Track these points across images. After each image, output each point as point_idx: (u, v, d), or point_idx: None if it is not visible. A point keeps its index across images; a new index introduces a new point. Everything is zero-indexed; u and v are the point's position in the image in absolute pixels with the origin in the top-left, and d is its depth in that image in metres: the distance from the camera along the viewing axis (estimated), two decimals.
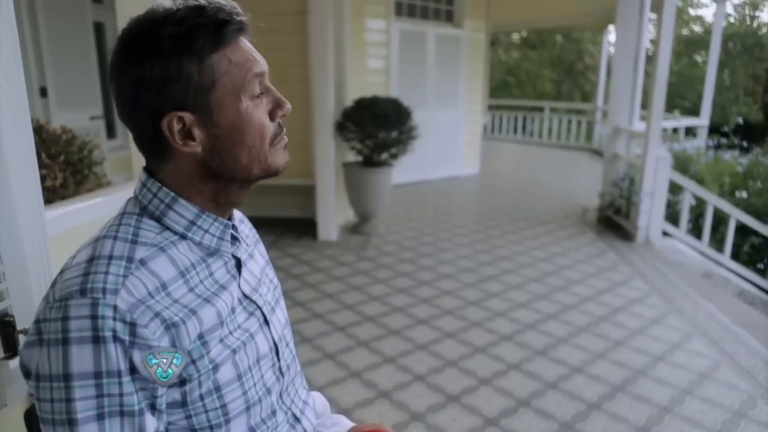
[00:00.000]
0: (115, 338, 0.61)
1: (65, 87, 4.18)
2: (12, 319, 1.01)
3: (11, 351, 1.01)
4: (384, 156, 4.67)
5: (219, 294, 0.74)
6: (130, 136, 0.76)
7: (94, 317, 0.60)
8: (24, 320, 1.04)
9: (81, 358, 0.60)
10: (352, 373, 2.53)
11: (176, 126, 0.69)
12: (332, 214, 4.58)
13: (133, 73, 0.68)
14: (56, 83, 4.05)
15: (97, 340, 0.60)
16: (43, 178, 1.82)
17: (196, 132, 0.70)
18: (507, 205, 6.16)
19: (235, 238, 0.80)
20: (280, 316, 0.88)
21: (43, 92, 3.95)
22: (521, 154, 10.87)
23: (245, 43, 0.73)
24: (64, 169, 1.88)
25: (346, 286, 3.61)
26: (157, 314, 0.65)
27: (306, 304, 3.29)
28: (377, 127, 4.45)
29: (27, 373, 0.65)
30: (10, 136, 1.08)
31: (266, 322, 0.82)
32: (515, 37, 19.22)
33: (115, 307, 0.61)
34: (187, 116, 0.69)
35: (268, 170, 0.75)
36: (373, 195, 4.73)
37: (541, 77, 19.34)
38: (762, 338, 3.03)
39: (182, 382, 0.68)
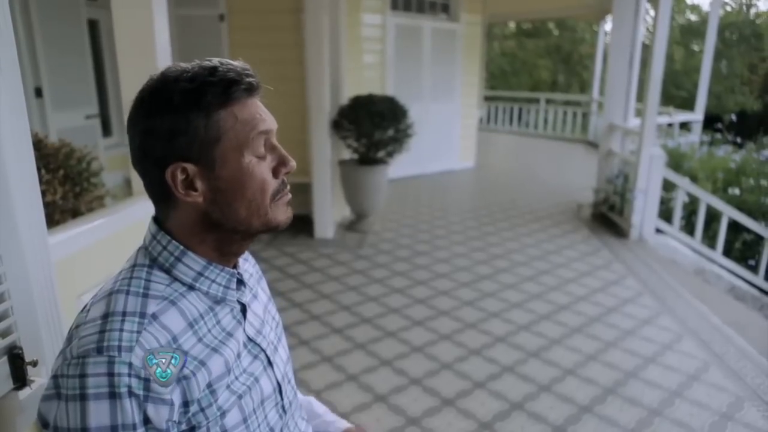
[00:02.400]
0: (131, 393, 0.64)
1: (60, 86, 4.16)
2: (21, 351, 1.04)
3: (20, 382, 1.04)
4: (380, 154, 4.69)
5: (226, 342, 0.77)
6: (126, 133, 0.79)
7: (110, 375, 0.64)
8: (32, 352, 1.07)
9: (98, 413, 0.64)
10: (349, 377, 2.57)
11: (179, 176, 0.73)
12: (328, 211, 4.61)
13: (145, 124, 0.73)
14: (51, 83, 4.03)
15: (113, 396, 0.64)
16: (42, 194, 1.84)
17: (198, 183, 0.74)
18: (502, 200, 6.20)
19: (240, 282, 0.83)
20: (282, 354, 0.91)
21: (38, 92, 3.94)
22: (517, 146, 10.89)
23: (254, 102, 0.76)
24: (63, 183, 1.90)
25: (343, 286, 3.65)
26: None
27: (303, 305, 3.33)
28: (373, 125, 4.46)
29: (45, 424, 0.68)
30: (13, 162, 1.10)
31: (270, 363, 0.85)
32: (511, 26, 19.12)
33: (130, 365, 0.65)
34: (191, 167, 0.73)
35: (268, 224, 0.78)
36: (369, 193, 4.76)
37: (537, 66, 19.29)
38: (751, 338, 3.09)
39: (191, 429, 0.71)
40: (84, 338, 0.67)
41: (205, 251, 0.78)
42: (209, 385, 0.72)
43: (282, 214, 0.79)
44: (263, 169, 0.76)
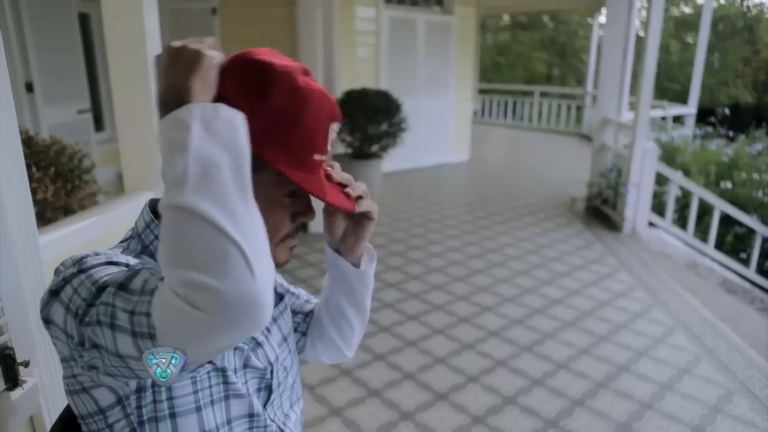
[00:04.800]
0: (127, 265, 0.67)
1: (51, 81, 4.12)
2: (12, 351, 1.04)
3: (12, 382, 1.04)
4: (374, 148, 4.69)
5: None
6: (118, 129, 0.76)
7: (109, 261, 0.66)
8: (23, 352, 1.07)
9: (95, 261, 0.66)
10: (343, 372, 2.58)
11: None
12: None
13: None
14: (42, 78, 3.99)
15: (111, 263, 0.66)
16: (34, 192, 1.83)
17: None
18: (496, 194, 6.21)
19: None
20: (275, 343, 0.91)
21: (29, 87, 3.90)
22: (511, 139, 10.90)
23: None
24: (55, 181, 1.89)
25: None
26: None
27: None
28: (366, 119, 4.46)
29: (48, 320, 0.65)
30: (1, 160, 1.09)
31: (259, 344, 0.85)
32: (505, 18, 19.07)
33: (127, 264, 0.67)
34: None
35: None
36: None
37: (532, 59, 19.26)
38: (742, 331, 3.12)
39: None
40: (76, 255, 0.68)
41: None
42: None
43: (284, 255, 0.77)
44: (285, 209, 0.74)
